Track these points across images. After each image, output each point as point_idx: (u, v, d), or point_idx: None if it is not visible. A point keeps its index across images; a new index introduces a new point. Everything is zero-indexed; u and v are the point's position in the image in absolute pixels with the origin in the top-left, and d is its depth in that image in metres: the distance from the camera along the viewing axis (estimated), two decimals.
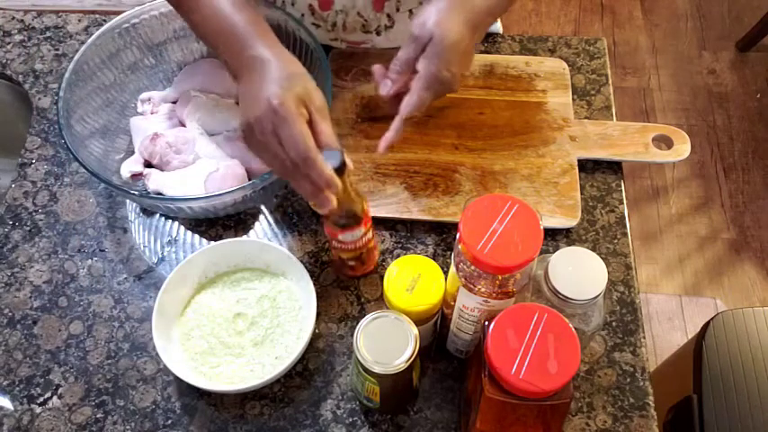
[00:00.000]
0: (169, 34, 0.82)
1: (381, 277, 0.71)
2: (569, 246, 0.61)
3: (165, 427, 0.65)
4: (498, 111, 0.83)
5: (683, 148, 0.79)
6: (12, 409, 0.66)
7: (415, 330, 0.56)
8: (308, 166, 0.55)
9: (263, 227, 0.77)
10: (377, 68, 0.70)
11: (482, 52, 0.90)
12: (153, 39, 0.82)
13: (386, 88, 0.68)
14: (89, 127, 0.76)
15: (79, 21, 0.94)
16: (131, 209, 0.79)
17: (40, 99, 0.87)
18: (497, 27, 0.95)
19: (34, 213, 0.78)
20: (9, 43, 0.93)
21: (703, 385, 0.95)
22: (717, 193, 1.83)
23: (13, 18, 0.95)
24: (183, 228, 0.77)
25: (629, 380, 0.67)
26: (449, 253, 0.74)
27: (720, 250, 1.74)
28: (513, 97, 0.84)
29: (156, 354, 0.65)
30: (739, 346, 0.97)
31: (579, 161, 0.78)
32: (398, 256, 0.73)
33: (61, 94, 0.72)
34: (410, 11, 0.82)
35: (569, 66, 0.87)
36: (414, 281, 0.58)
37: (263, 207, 0.78)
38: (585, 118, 0.84)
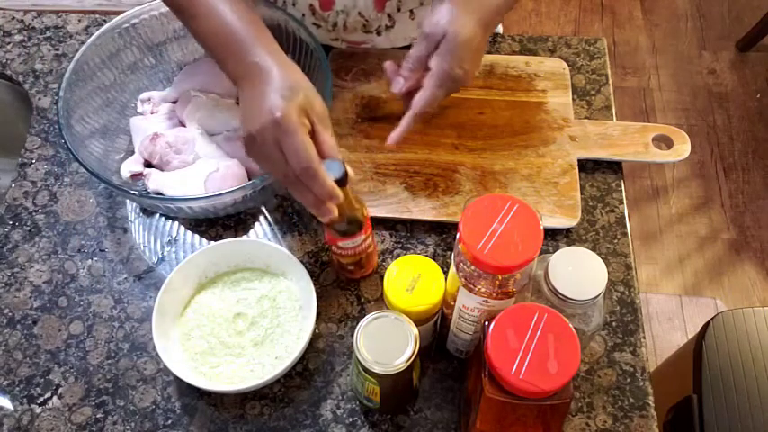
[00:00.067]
0: (169, 34, 0.82)
1: (381, 277, 0.71)
2: (569, 246, 0.61)
3: (165, 427, 0.65)
4: (498, 111, 0.83)
5: (683, 148, 0.79)
6: (12, 409, 0.66)
7: (415, 330, 0.56)
8: (310, 178, 0.55)
9: (263, 227, 0.77)
10: (388, 65, 0.71)
11: None
12: (153, 39, 0.82)
13: (398, 85, 0.69)
14: (89, 127, 0.76)
15: (79, 21, 0.94)
16: (131, 209, 0.79)
17: (40, 99, 0.87)
18: (497, 27, 0.95)
19: (34, 213, 0.78)
20: (9, 43, 0.93)
21: (703, 385, 0.95)
22: (717, 193, 1.83)
23: (13, 18, 0.95)
24: (183, 228, 0.77)
25: (629, 380, 0.67)
26: (449, 253, 0.74)
27: (720, 250, 1.74)
28: (513, 97, 0.84)
29: (156, 354, 0.65)
30: (739, 346, 0.97)
31: (579, 161, 0.78)
32: (398, 256, 0.73)
33: (61, 94, 0.72)
34: (411, 11, 0.82)
35: (569, 66, 0.87)
36: (414, 281, 0.58)
37: (263, 207, 0.78)
38: (585, 118, 0.84)
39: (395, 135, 0.69)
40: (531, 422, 0.53)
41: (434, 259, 0.70)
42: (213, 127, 0.77)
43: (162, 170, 0.76)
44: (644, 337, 0.69)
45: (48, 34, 0.93)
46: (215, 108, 0.78)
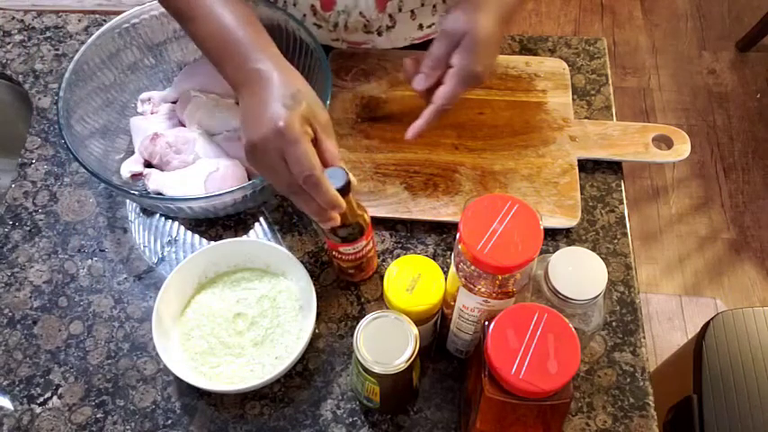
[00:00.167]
0: (169, 34, 0.82)
1: (381, 277, 0.71)
2: (569, 246, 0.61)
3: (165, 427, 0.65)
4: (498, 111, 0.83)
5: (683, 148, 0.79)
6: (12, 409, 0.66)
7: (415, 330, 0.56)
8: (313, 187, 0.55)
9: (263, 227, 0.77)
10: (408, 63, 0.71)
11: None
12: (153, 39, 0.82)
13: (420, 83, 0.69)
14: (89, 127, 0.76)
15: (79, 21, 0.94)
16: (131, 209, 0.79)
17: (40, 99, 0.87)
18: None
19: (34, 213, 0.78)
20: (9, 43, 0.93)
21: (703, 385, 0.95)
22: (717, 193, 1.83)
23: (13, 18, 0.95)
24: (183, 228, 0.77)
25: (629, 380, 0.67)
26: (449, 253, 0.74)
27: (720, 250, 1.74)
28: (513, 97, 0.84)
29: (156, 354, 0.65)
30: (739, 346, 0.97)
31: (579, 161, 0.78)
32: (398, 256, 0.73)
33: (61, 94, 0.72)
34: (412, 11, 0.82)
35: (569, 66, 0.87)
36: (414, 281, 0.58)
37: (263, 207, 0.78)
38: (585, 118, 0.84)
39: (414, 129, 0.69)
40: (531, 422, 0.53)
41: (434, 259, 0.70)
42: (213, 127, 0.77)
43: (162, 170, 0.76)
44: (644, 337, 0.69)
45: (48, 34, 0.93)
46: (215, 108, 0.78)
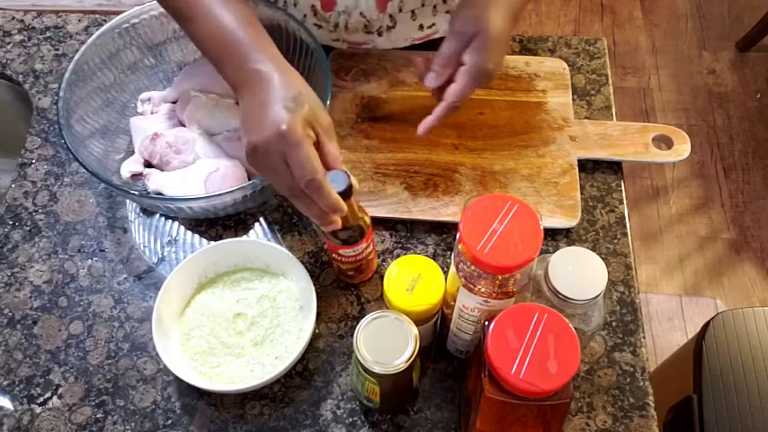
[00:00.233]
0: (169, 34, 0.82)
1: (381, 277, 0.71)
2: (569, 246, 0.61)
3: (165, 427, 0.65)
4: (498, 111, 0.83)
5: (683, 148, 0.79)
6: (12, 409, 0.66)
7: (415, 330, 0.56)
8: (315, 191, 0.55)
9: (263, 227, 0.77)
10: (419, 61, 0.72)
11: None
12: (153, 39, 0.82)
13: (432, 80, 0.70)
14: (89, 127, 0.76)
15: (79, 21, 0.94)
16: (131, 209, 0.79)
17: (40, 99, 0.87)
18: None
19: (34, 213, 0.78)
20: (9, 43, 0.93)
21: (703, 385, 0.95)
22: (717, 193, 1.83)
23: (13, 18, 0.95)
24: (183, 228, 0.77)
25: (629, 380, 0.67)
26: (449, 253, 0.74)
27: (720, 250, 1.74)
28: (513, 97, 0.84)
29: (156, 354, 0.65)
30: (739, 346, 0.97)
31: (579, 161, 0.78)
32: (398, 256, 0.73)
33: (61, 94, 0.72)
34: (412, 11, 0.82)
35: (569, 66, 0.87)
36: (414, 281, 0.58)
37: (263, 207, 0.78)
38: (585, 118, 0.84)
39: (425, 125, 0.70)
40: (531, 422, 0.53)
41: (434, 259, 0.70)
42: (213, 127, 0.77)
43: (162, 170, 0.76)
44: (644, 337, 0.69)
45: (48, 34, 0.93)
46: (215, 108, 0.78)
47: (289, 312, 0.68)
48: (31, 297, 0.73)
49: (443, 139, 0.80)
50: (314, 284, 0.66)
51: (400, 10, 0.81)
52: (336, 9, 0.80)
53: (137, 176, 0.77)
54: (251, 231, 0.77)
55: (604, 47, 0.91)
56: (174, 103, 0.82)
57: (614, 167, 0.80)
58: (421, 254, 0.74)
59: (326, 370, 0.68)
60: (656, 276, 1.70)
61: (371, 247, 0.68)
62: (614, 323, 0.70)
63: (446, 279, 0.59)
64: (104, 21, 0.93)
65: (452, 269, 0.57)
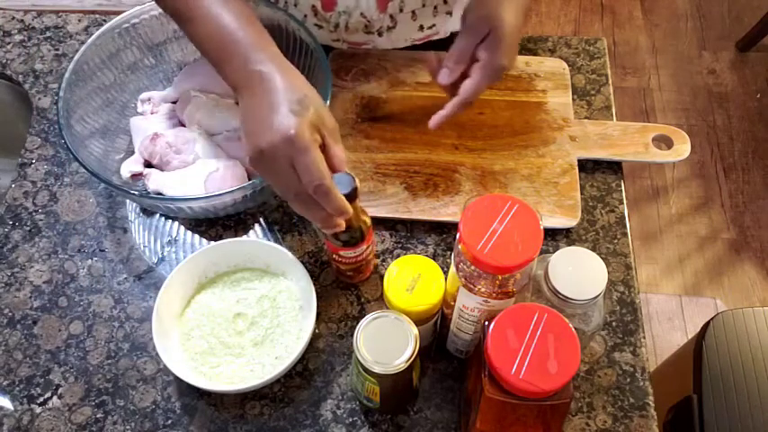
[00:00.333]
0: (169, 34, 0.82)
1: (381, 277, 0.71)
2: (569, 246, 0.61)
3: (165, 427, 0.65)
4: (498, 111, 0.83)
5: (683, 148, 0.79)
6: (12, 409, 0.66)
7: (415, 330, 0.56)
8: (324, 196, 0.55)
9: (263, 227, 0.77)
10: (432, 59, 0.72)
11: None
12: (153, 39, 0.82)
13: (445, 77, 0.70)
14: (89, 127, 0.76)
15: (79, 21, 0.94)
16: (131, 209, 0.79)
17: (40, 99, 0.87)
18: None
19: (34, 213, 0.78)
20: (9, 43, 0.93)
21: (703, 385, 0.95)
22: (717, 193, 1.83)
23: (13, 18, 0.95)
24: (183, 228, 0.77)
25: (629, 380, 0.67)
26: (449, 253, 0.74)
27: (720, 250, 1.74)
28: (513, 97, 0.84)
29: (156, 354, 0.65)
30: (739, 346, 0.97)
31: (579, 161, 0.78)
32: (398, 256, 0.73)
33: (61, 94, 0.72)
34: (413, 12, 0.82)
35: (569, 66, 0.87)
36: (414, 281, 0.58)
37: (262, 207, 0.78)
38: (585, 118, 0.84)
39: (438, 119, 0.70)
40: (531, 422, 0.53)
41: (434, 259, 0.70)
42: (213, 127, 0.77)
43: (162, 170, 0.76)
44: (644, 337, 0.69)
45: (48, 34, 0.93)
46: (215, 108, 0.78)
47: (289, 312, 0.68)
48: (31, 297, 0.73)
49: (443, 139, 0.80)
50: (314, 284, 0.66)
51: (401, 10, 0.81)
52: (337, 9, 0.80)
53: (137, 176, 0.77)
54: (251, 231, 0.77)
55: (604, 47, 0.91)
56: (174, 103, 0.82)
57: (614, 167, 0.80)
58: (421, 254, 0.74)
59: (326, 370, 0.68)
60: (656, 276, 1.70)
61: (371, 248, 0.68)
62: (614, 323, 0.70)
63: (446, 279, 0.59)
64: (104, 21, 0.93)
65: (452, 269, 0.57)
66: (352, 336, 0.61)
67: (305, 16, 0.82)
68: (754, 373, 0.95)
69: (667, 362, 1.17)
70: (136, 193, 0.71)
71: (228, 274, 0.71)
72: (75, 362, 0.69)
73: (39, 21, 0.95)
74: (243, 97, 0.59)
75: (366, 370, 0.55)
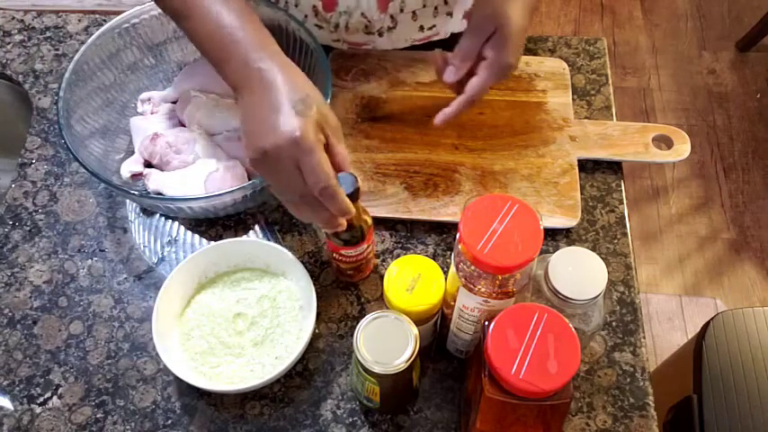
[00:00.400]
0: (169, 34, 0.82)
1: (381, 277, 0.71)
2: (569, 246, 0.61)
3: (165, 427, 0.65)
4: (498, 111, 0.83)
5: (683, 148, 0.79)
6: (12, 409, 0.66)
7: (415, 330, 0.56)
8: (329, 197, 0.54)
9: (263, 227, 0.77)
10: (437, 57, 0.72)
11: None
12: (153, 39, 0.82)
13: (451, 75, 0.70)
14: (89, 127, 0.76)
15: (79, 21, 0.94)
16: (131, 209, 0.79)
17: (40, 99, 0.87)
18: None
19: (34, 213, 0.78)
20: (9, 43, 0.93)
21: (703, 385, 0.95)
22: (717, 193, 1.83)
23: (13, 18, 0.95)
24: (183, 228, 0.77)
25: (629, 380, 0.67)
26: (449, 253, 0.74)
27: (720, 250, 1.74)
28: (513, 97, 0.84)
29: (156, 354, 0.65)
30: (739, 346, 0.97)
31: (579, 161, 0.78)
32: (398, 256, 0.73)
33: (61, 94, 0.72)
34: (413, 12, 0.82)
35: (569, 66, 0.87)
36: (414, 281, 0.58)
37: (262, 207, 0.78)
38: (585, 118, 0.84)
39: (444, 116, 0.70)
40: (531, 422, 0.53)
41: (434, 259, 0.70)
42: (213, 127, 0.77)
43: (162, 170, 0.76)
44: (644, 337, 0.69)
45: (48, 34, 0.93)
46: (215, 108, 0.78)
47: (289, 312, 0.68)
48: (31, 297, 0.73)
49: (443, 139, 0.80)
50: (314, 284, 0.66)
51: (401, 10, 0.81)
52: (338, 9, 0.80)
53: (137, 176, 0.77)
54: (251, 231, 0.77)
55: (604, 47, 0.91)
56: (174, 103, 0.82)
57: (614, 167, 0.80)
58: (421, 254, 0.74)
59: (326, 370, 0.68)
60: (656, 276, 1.70)
61: (372, 247, 0.68)
62: (614, 323, 0.70)
63: (446, 279, 0.59)
64: (104, 21, 0.93)
65: (452, 269, 0.57)
66: (352, 336, 0.61)
67: (305, 16, 0.82)
68: (754, 373, 0.95)
69: (667, 362, 1.17)
70: (136, 193, 0.71)
71: (228, 274, 0.71)
72: (75, 362, 0.69)
73: (39, 21, 0.95)
74: (243, 96, 0.58)
75: (366, 370, 0.55)
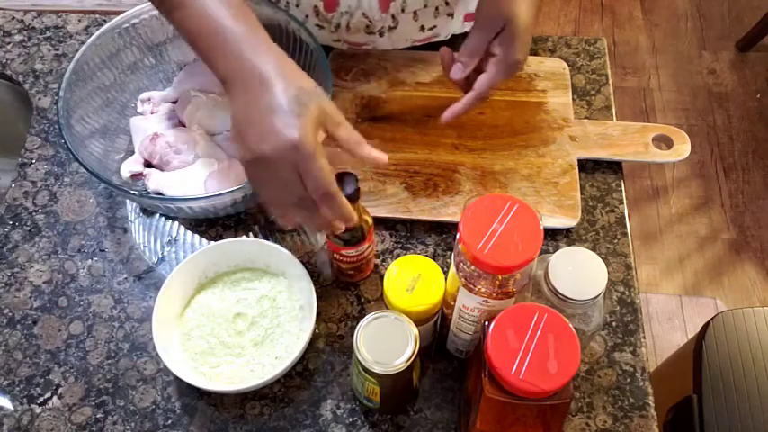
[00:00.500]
0: (169, 34, 0.82)
1: (381, 277, 0.71)
2: (569, 246, 0.61)
3: (165, 427, 0.65)
4: (498, 111, 0.83)
5: (683, 148, 0.79)
6: (12, 409, 0.66)
7: (415, 330, 0.56)
8: (328, 201, 0.52)
9: (264, 227, 0.77)
10: (445, 52, 0.72)
11: None
12: (153, 39, 0.82)
13: (458, 72, 0.70)
14: (89, 127, 0.76)
15: (79, 21, 0.94)
16: (131, 209, 0.79)
17: (40, 99, 0.87)
18: None
19: (34, 213, 0.78)
20: (9, 43, 0.93)
21: (703, 385, 0.95)
22: (717, 193, 1.83)
23: (13, 18, 0.95)
24: (183, 228, 0.77)
25: (629, 380, 0.67)
26: (449, 253, 0.74)
27: (720, 250, 1.74)
28: (513, 97, 0.84)
29: (156, 354, 0.65)
30: (739, 346, 0.97)
31: (579, 161, 0.78)
32: (398, 256, 0.73)
33: (61, 94, 0.72)
34: (414, 12, 0.82)
35: (569, 66, 0.87)
36: (414, 281, 0.58)
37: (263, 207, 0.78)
38: (585, 118, 0.84)
39: (452, 112, 0.70)
40: (531, 422, 0.53)
41: (434, 259, 0.70)
42: (213, 127, 0.77)
43: (162, 170, 0.76)
44: (644, 337, 0.69)
45: (48, 34, 0.93)
46: (215, 108, 0.78)
47: (289, 312, 0.68)
48: (31, 297, 0.73)
49: (443, 139, 0.80)
50: (314, 284, 0.66)
51: (402, 10, 0.81)
52: (339, 9, 0.80)
53: (137, 176, 0.77)
54: (251, 231, 0.77)
55: (604, 47, 0.91)
56: (174, 103, 0.82)
57: (614, 167, 0.80)
58: (421, 254, 0.74)
59: (326, 370, 0.68)
60: (656, 276, 1.70)
61: (372, 246, 0.68)
62: (614, 323, 0.70)
63: (446, 279, 0.59)
64: (104, 21, 0.93)
65: (452, 269, 0.57)
66: (352, 336, 0.61)
67: (306, 16, 0.82)
68: (754, 373, 0.95)
69: (667, 362, 1.17)
70: (136, 193, 0.71)
71: (228, 274, 0.71)
72: (75, 362, 0.69)
73: (39, 21, 0.95)
74: (235, 92, 0.54)
75: (366, 370, 0.55)
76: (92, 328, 0.71)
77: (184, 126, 0.79)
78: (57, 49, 0.92)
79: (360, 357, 0.54)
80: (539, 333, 0.49)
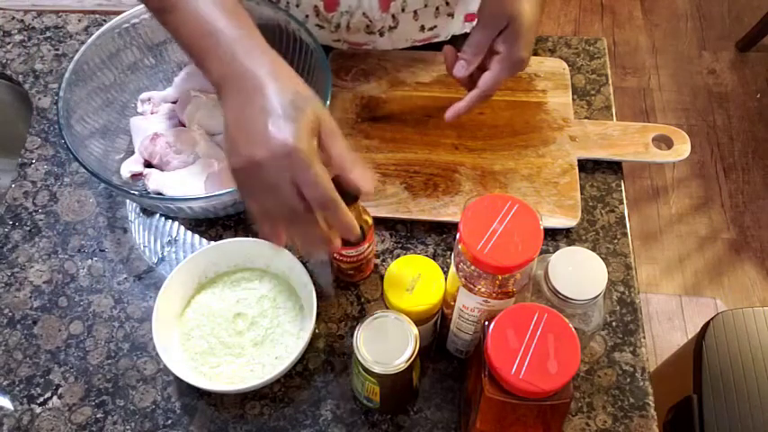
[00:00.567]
0: (169, 34, 0.82)
1: (381, 277, 0.71)
2: (569, 246, 0.61)
3: (165, 427, 0.65)
4: (498, 111, 0.83)
5: (683, 148, 0.79)
6: (12, 409, 0.66)
7: (415, 330, 0.56)
8: (328, 210, 0.50)
9: None
10: (448, 51, 0.72)
11: None
12: (153, 39, 0.82)
13: (461, 70, 0.70)
14: (89, 127, 0.76)
15: (79, 21, 0.94)
16: (131, 209, 0.79)
17: (40, 99, 0.87)
18: None
19: (34, 213, 0.78)
20: (9, 43, 0.93)
21: (703, 385, 0.95)
22: (717, 193, 1.83)
23: (13, 18, 0.95)
24: (183, 228, 0.77)
25: (629, 380, 0.67)
26: (449, 253, 0.74)
27: (720, 250, 1.74)
28: (513, 97, 0.84)
29: (156, 354, 0.65)
30: (739, 346, 0.97)
31: (579, 161, 0.78)
32: (398, 256, 0.73)
33: (61, 94, 0.72)
34: (414, 12, 0.82)
35: (569, 66, 0.87)
36: (414, 281, 0.58)
37: None
38: (585, 118, 0.84)
39: (455, 110, 0.70)
40: (531, 422, 0.53)
41: (434, 259, 0.70)
42: (213, 127, 0.77)
43: (162, 170, 0.76)
44: (644, 337, 0.69)
45: (48, 34, 0.93)
46: (215, 108, 0.78)
47: (289, 312, 0.68)
48: (31, 297, 0.73)
49: (443, 139, 0.80)
50: (314, 284, 0.66)
51: (403, 10, 0.81)
52: (339, 9, 0.80)
53: (137, 176, 0.77)
54: (251, 231, 0.77)
55: (604, 47, 0.91)
56: (174, 103, 0.82)
57: (614, 167, 0.80)
58: (421, 254, 0.74)
59: (326, 370, 0.68)
60: (656, 276, 1.70)
61: (372, 246, 0.68)
62: (614, 323, 0.70)
63: (446, 279, 0.59)
64: (104, 21, 0.93)
65: (452, 269, 0.57)
66: (352, 336, 0.61)
67: (306, 16, 0.82)
68: (754, 373, 0.95)
69: (667, 362, 1.17)
70: (136, 193, 0.71)
71: (228, 274, 0.71)
72: (75, 362, 0.69)
73: (39, 21, 0.95)
74: (228, 96, 0.52)
75: (366, 370, 0.55)
76: (92, 328, 0.71)
77: (184, 126, 0.79)
78: (57, 49, 0.92)
79: (360, 357, 0.54)
80: (539, 333, 0.49)
